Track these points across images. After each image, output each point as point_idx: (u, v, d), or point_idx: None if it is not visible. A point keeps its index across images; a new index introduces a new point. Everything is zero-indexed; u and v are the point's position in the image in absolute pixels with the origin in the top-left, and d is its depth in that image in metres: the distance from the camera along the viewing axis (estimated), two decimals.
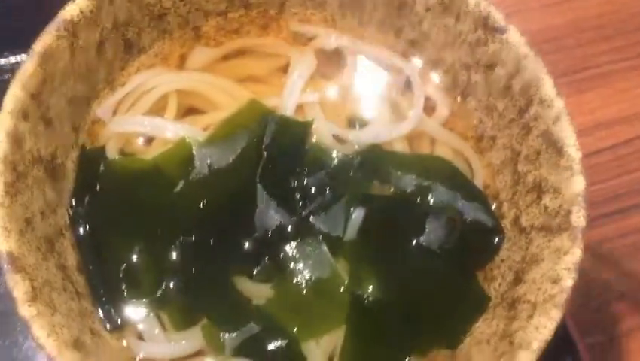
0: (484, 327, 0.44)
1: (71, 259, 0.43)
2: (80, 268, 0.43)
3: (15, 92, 0.40)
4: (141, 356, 0.42)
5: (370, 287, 0.44)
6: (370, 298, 0.43)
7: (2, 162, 0.38)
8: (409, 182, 0.46)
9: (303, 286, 0.43)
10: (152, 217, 0.45)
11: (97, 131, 0.47)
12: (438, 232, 0.45)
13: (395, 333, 0.44)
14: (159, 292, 0.43)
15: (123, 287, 0.43)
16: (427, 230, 0.45)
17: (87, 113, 0.47)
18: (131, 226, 0.44)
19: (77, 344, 0.37)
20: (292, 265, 0.44)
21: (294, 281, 0.43)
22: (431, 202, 0.46)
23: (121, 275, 0.43)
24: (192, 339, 0.42)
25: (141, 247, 0.43)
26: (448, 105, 0.49)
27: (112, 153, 0.46)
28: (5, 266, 0.37)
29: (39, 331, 0.36)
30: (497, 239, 0.46)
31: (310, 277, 0.44)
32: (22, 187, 0.39)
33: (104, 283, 0.43)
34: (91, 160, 0.46)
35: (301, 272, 0.44)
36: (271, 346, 0.42)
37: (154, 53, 0.49)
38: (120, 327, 0.42)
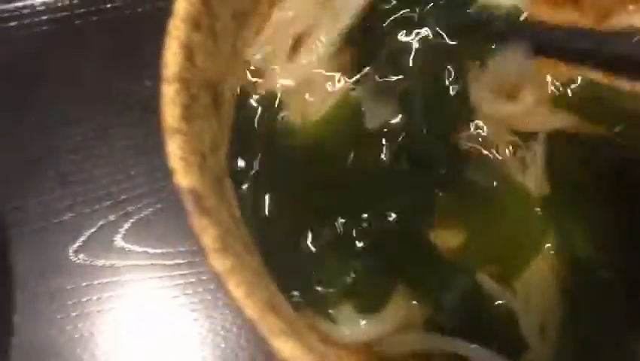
0: None
1: (236, 209, 0.36)
2: (245, 222, 0.36)
3: None
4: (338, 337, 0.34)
5: (583, 248, 0.36)
6: (587, 261, 0.36)
7: (177, 79, 0.31)
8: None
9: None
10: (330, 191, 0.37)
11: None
12: None
13: (621, 308, 0.36)
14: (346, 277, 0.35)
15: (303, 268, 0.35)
16: None
17: (247, 35, 0.39)
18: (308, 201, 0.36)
19: (273, 307, 0.30)
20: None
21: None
22: None
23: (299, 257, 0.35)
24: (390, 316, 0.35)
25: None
26: None
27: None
28: (191, 206, 0.29)
29: (237, 289, 0.28)
30: None
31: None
32: (195, 114, 0.32)
33: (278, 259, 0.35)
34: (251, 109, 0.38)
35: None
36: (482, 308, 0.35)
37: None
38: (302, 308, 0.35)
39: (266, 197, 0.36)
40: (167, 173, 0.52)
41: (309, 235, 0.35)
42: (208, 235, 0.29)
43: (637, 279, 0.36)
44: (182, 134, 0.30)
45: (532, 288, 0.35)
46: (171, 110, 0.30)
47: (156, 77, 0.53)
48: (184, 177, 0.29)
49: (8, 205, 0.49)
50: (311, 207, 0.36)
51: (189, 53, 0.32)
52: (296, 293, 0.34)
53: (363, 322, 0.34)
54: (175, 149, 0.30)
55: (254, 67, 0.38)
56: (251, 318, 0.28)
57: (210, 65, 0.34)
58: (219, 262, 0.28)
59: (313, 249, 0.35)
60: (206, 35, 0.33)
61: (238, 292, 0.28)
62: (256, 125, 0.37)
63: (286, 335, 0.28)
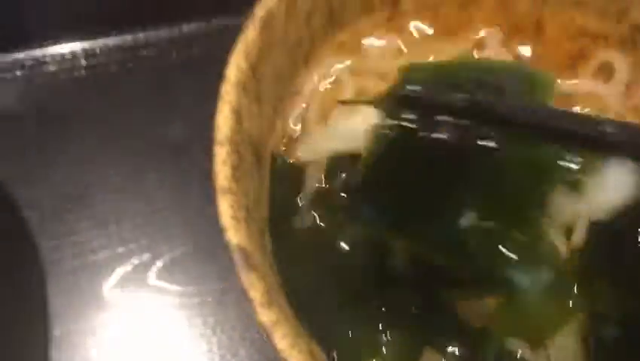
0: None
1: (272, 263, 0.38)
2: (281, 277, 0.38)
3: (238, 61, 0.35)
4: None
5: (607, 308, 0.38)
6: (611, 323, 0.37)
7: (228, 141, 0.33)
8: None
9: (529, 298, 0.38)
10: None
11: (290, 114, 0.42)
12: None
13: None
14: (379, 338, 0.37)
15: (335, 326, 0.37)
16: None
17: (285, 96, 0.42)
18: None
19: (315, 358, 0.32)
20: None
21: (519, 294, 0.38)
22: None
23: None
24: None
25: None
26: None
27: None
28: (239, 262, 0.32)
29: (282, 341, 0.30)
30: None
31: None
32: (243, 173, 0.34)
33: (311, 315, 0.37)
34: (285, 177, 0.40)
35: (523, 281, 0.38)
36: None
37: (350, 30, 0.44)
38: None
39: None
40: (196, 216, 0.54)
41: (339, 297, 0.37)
42: (255, 290, 0.31)
43: None
44: (232, 194, 0.33)
45: (567, 351, 0.36)
46: (223, 171, 0.33)
47: (186, 120, 0.56)
48: (234, 235, 0.32)
49: (45, 243, 0.51)
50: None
51: (238, 116, 0.34)
52: (330, 348, 0.36)
53: None
54: (226, 208, 0.32)
55: (290, 129, 0.41)
56: None
57: (254, 127, 0.37)
58: (266, 316, 0.31)
59: (344, 311, 0.37)
60: (252, 99, 0.36)
61: (283, 343, 0.30)
62: (287, 188, 0.40)
63: None
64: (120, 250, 0.51)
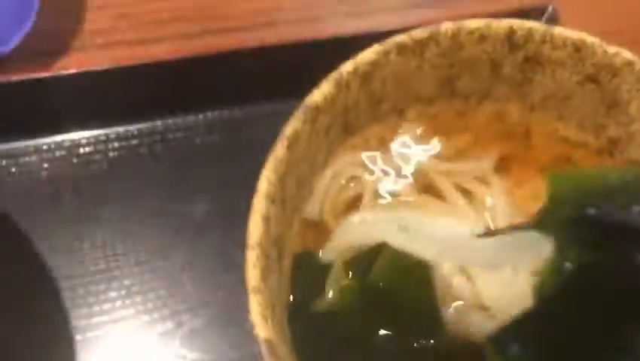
0: None
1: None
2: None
3: (268, 175, 0.41)
4: None
5: None
6: None
7: (258, 246, 0.39)
8: None
9: None
10: None
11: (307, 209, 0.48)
12: None
13: None
14: None
15: None
16: None
17: (304, 193, 0.47)
18: None
19: None
20: None
21: None
22: None
23: None
24: None
25: None
26: None
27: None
28: (266, 354, 0.37)
29: None
30: None
31: None
32: (269, 271, 0.40)
33: None
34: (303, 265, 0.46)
35: None
36: None
37: (362, 135, 0.50)
38: None
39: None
40: (213, 289, 0.59)
41: None
42: None
43: None
44: (260, 293, 0.38)
45: None
46: (253, 273, 0.38)
47: (207, 201, 0.62)
48: (262, 330, 0.37)
49: (75, 313, 0.56)
50: None
51: (267, 223, 0.40)
52: None
53: None
54: (255, 306, 0.37)
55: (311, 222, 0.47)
56: None
57: (279, 228, 0.43)
58: None
59: None
60: (278, 206, 0.42)
61: None
62: (305, 282, 0.45)
63: None
64: (146, 318, 0.56)
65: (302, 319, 0.44)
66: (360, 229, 0.46)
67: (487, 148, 0.52)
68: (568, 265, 0.34)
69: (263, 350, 0.37)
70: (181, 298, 0.57)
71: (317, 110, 0.43)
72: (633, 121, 0.49)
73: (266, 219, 0.40)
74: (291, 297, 0.45)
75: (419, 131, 0.52)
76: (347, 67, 0.44)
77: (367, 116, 0.49)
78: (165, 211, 0.61)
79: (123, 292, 0.57)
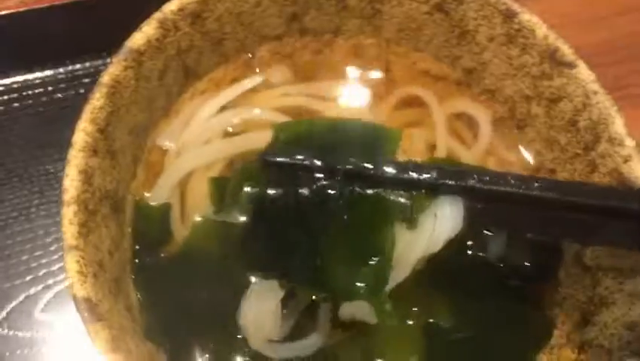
0: None
1: (134, 298, 0.42)
2: (141, 308, 0.42)
3: (85, 126, 0.38)
4: None
5: (443, 316, 0.44)
6: (444, 328, 0.44)
7: (75, 201, 0.37)
8: None
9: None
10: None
11: (153, 161, 0.46)
12: (500, 247, 0.44)
13: None
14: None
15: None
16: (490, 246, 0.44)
17: (145, 144, 0.45)
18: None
19: None
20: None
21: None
22: None
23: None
24: None
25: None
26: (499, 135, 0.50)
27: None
28: (84, 315, 0.35)
29: None
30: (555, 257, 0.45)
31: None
32: (92, 227, 0.38)
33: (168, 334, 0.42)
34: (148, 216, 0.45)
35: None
36: None
37: (209, 79, 0.48)
38: None
39: (159, 285, 0.43)
40: None
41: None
42: (99, 338, 0.35)
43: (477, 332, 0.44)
44: (79, 250, 0.36)
45: None
46: (69, 230, 0.36)
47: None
48: (79, 289, 0.35)
49: None
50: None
51: (86, 176, 0.38)
52: None
53: None
54: (72, 264, 0.36)
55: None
56: None
57: (108, 180, 0.40)
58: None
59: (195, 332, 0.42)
60: (104, 157, 0.40)
61: None
62: (151, 224, 0.44)
63: None
64: (7, 285, 0.54)
65: (150, 266, 0.43)
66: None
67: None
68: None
69: (81, 310, 0.35)
70: (46, 261, 0.55)
71: (140, 53, 0.41)
72: (483, 50, 0.48)
73: (85, 173, 0.38)
74: (137, 247, 0.44)
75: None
76: (171, 6, 0.41)
77: (211, 58, 0.47)
78: (28, 171, 0.57)
79: None
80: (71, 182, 0.37)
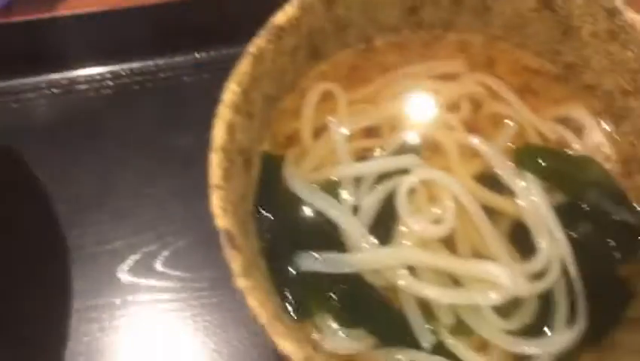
0: (631, 339, 0.46)
1: (255, 244, 0.47)
2: (261, 254, 0.48)
3: (232, 87, 0.44)
4: (326, 347, 0.45)
5: None
6: None
7: (222, 149, 0.43)
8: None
9: None
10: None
11: (276, 129, 0.52)
12: (586, 227, 0.49)
13: None
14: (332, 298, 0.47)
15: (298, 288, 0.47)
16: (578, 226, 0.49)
17: (273, 112, 0.51)
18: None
19: (278, 317, 0.41)
20: None
21: None
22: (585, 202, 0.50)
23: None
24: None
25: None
26: (600, 129, 0.53)
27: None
28: (224, 242, 0.41)
29: (253, 301, 0.39)
30: None
31: None
32: (232, 174, 0.44)
33: (282, 280, 0.47)
34: (271, 168, 0.50)
35: None
36: None
37: (330, 62, 0.54)
38: (299, 318, 0.46)
39: (276, 236, 0.48)
40: (199, 214, 0.63)
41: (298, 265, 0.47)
42: (236, 263, 0.40)
43: None
44: (222, 190, 0.42)
45: None
46: (215, 172, 0.42)
47: (195, 136, 0.65)
48: (222, 221, 0.41)
49: (70, 233, 0.61)
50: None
51: (231, 130, 0.44)
52: (295, 309, 0.46)
53: (344, 336, 0.46)
54: (216, 200, 0.41)
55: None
56: (263, 323, 0.39)
57: (245, 138, 0.46)
58: (242, 283, 0.40)
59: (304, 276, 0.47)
60: (244, 116, 0.45)
61: (254, 303, 0.39)
62: (273, 183, 0.49)
63: (285, 337, 0.39)
64: (133, 240, 0.61)
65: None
66: None
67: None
68: None
69: (222, 238, 0.41)
70: (166, 222, 0.62)
71: (281, 30, 0.47)
72: (585, 46, 0.51)
73: (230, 127, 0.44)
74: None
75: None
76: None
77: (335, 42, 0.53)
78: (156, 144, 0.65)
79: (112, 216, 0.62)
80: (218, 133, 0.43)
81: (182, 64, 0.68)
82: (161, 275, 0.60)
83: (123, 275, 0.59)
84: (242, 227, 0.44)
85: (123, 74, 0.68)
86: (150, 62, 0.68)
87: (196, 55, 0.69)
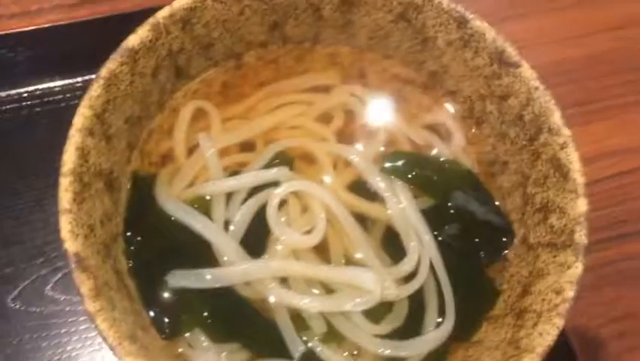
0: (494, 335, 0.48)
1: (123, 264, 0.48)
2: (130, 274, 0.48)
3: (83, 111, 0.45)
4: None
5: None
6: None
7: (72, 173, 0.43)
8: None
9: None
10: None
11: (148, 149, 0.52)
12: (453, 228, 0.51)
13: None
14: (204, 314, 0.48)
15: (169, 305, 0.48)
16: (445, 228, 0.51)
17: (140, 132, 0.52)
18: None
19: (132, 337, 0.41)
20: None
21: None
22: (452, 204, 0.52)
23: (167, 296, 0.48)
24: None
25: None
26: (464, 133, 0.55)
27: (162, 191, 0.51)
28: (72, 265, 0.41)
29: (102, 323, 0.40)
30: (506, 238, 0.51)
31: None
32: (86, 197, 0.44)
33: (153, 298, 0.48)
34: (142, 188, 0.51)
35: None
36: None
37: (201, 80, 0.55)
38: (169, 335, 0.47)
39: (146, 255, 0.49)
40: None
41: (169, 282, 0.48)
42: (85, 287, 0.41)
43: None
44: (72, 214, 0.42)
45: None
46: (64, 197, 0.42)
47: None
48: (70, 245, 0.41)
49: None
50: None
51: (82, 154, 0.44)
52: (166, 327, 0.47)
53: (214, 351, 0.46)
54: (65, 224, 0.42)
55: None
56: (111, 344, 0.40)
57: (103, 160, 0.47)
58: (90, 305, 0.40)
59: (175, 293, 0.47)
60: (99, 139, 0.46)
61: (103, 325, 0.40)
62: (144, 203, 0.50)
63: (137, 356, 0.39)
64: (22, 266, 0.61)
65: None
66: None
67: None
68: None
69: (70, 261, 0.41)
70: (56, 246, 0.61)
71: (134, 52, 0.47)
72: (443, 54, 0.53)
73: (82, 150, 0.44)
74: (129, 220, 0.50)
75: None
76: (163, 12, 0.48)
77: (201, 61, 0.54)
78: (43, 166, 0.63)
79: (1, 243, 0.61)
80: (69, 156, 0.44)
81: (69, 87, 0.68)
82: (52, 300, 0.60)
83: (13, 302, 0.59)
84: (100, 249, 0.44)
85: (13, 98, 0.67)
86: (41, 86, 0.68)
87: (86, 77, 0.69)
